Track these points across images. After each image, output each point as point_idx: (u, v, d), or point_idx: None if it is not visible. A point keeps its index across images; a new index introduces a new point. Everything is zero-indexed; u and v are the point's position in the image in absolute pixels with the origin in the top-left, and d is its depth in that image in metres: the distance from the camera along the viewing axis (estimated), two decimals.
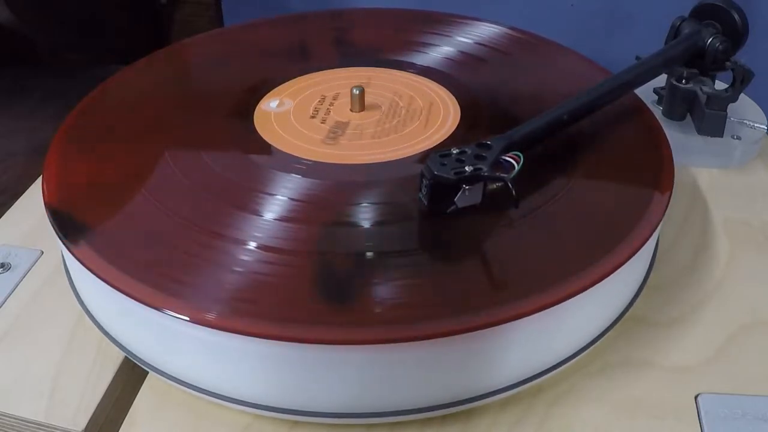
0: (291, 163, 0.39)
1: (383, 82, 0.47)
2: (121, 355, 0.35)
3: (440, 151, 0.35)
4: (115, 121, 0.44)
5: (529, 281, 0.32)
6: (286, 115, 0.43)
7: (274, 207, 0.36)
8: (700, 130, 0.47)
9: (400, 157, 0.39)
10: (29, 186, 0.46)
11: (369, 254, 0.33)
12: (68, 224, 0.35)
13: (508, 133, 0.37)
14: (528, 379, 0.33)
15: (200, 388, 0.32)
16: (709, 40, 0.46)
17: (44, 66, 0.71)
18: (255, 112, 0.44)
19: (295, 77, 0.47)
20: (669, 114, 0.49)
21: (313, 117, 0.43)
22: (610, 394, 0.33)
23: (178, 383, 0.33)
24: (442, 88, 0.46)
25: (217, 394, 0.32)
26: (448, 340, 0.29)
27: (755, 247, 0.41)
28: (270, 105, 0.43)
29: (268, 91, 0.46)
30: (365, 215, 0.35)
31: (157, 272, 0.32)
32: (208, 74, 0.49)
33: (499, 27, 0.52)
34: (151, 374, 0.34)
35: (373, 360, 0.30)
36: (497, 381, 0.32)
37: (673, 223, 0.42)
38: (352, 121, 0.43)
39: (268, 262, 0.33)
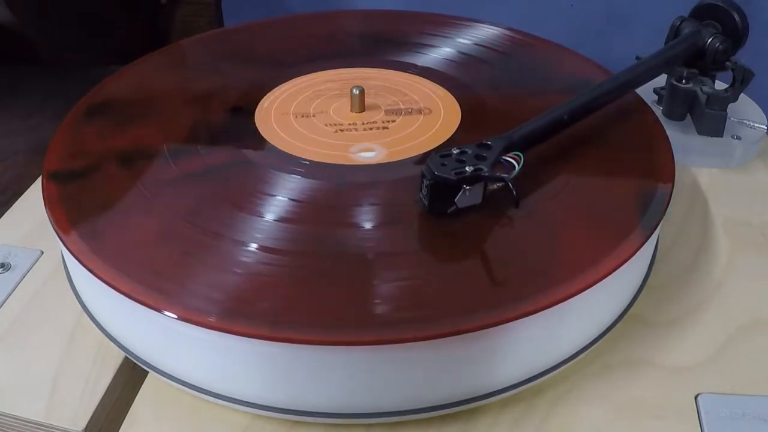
0: (291, 164, 0.39)
1: (383, 83, 0.47)
2: (121, 355, 0.35)
3: (440, 151, 0.35)
4: (114, 121, 0.44)
5: (529, 281, 0.32)
6: (287, 114, 0.43)
7: (274, 207, 0.36)
8: (700, 130, 0.47)
9: (401, 158, 0.39)
10: (29, 186, 0.46)
11: (369, 255, 0.33)
12: (68, 223, 0.35)
13: (508, 134, 0.37)
14: (528, 379, 0.33)
15: (200, 388, 0.32)
16: (709, 40, 0.46)
17: (44, 66, 0.71)
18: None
19: (294, 77, 0.47)
20: (669, 114, 0.49)
21: (313, 117, 0.43)
22: (610, 394, 0.33)
23: (178, 383, 0.33)
24: (442, 88, 0.46)
25: (217, 394, 0.32)
26: (449, 341, 0.29)
27: (755, 247, 0.41)
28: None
29: (268, 92, 0.46)
30: (366, 216, 0.35)
31: (157, 272, 0.32)
32: (208, 74, 0.49)
33: (499, 28, 0.52)
34: (151, 374, 0.34)
35: (373, 360, 0.30)
36: (497, 381, 0.32)
37: (673, 223, 0.42)
38: (352, 122, 0.43)
39: (268, 263, 0.33)
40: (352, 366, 0.30)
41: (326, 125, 0.42)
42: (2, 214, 0.44)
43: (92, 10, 0.72)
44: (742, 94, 0.47)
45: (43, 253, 0.41)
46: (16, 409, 0.33)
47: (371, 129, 0.42)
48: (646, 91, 0.48)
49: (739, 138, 0.47)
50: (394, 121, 0.43)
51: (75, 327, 0.36)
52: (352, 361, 0.30)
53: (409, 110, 0.44)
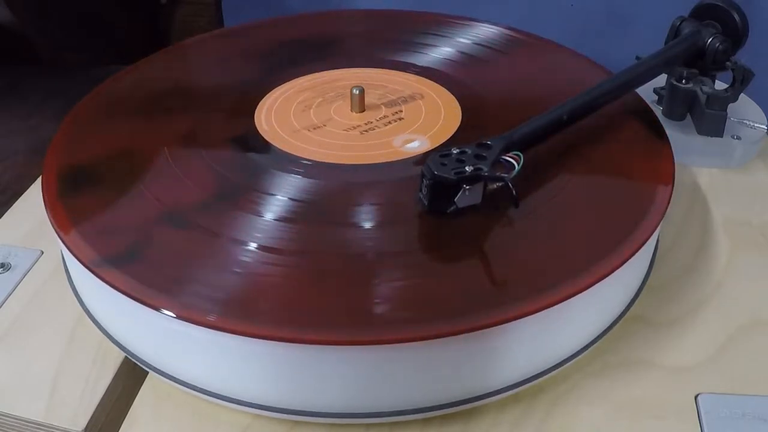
0: (291, 163, 0.39)
1: (384, 83, 0.47)
2: (121, 355, 0.35)
3: (440, 151, 0.35)
4: (114, 121, 0.44)
5: (529, 281, 0.32)
6: (287, 114, 0.43)
7: (274, 207, 0.36)
8: (700, 130, 0.47)
9: (401, 158, 0.39)
10: (29, 186, 0.46)
11: (369, 255, 0.33)
12: (69, 223, 0.35)
13: (508, 133, 0.37)
14: (528, 379, 0.33)
15: (200, 388, 0.32)
16: (709, 40, 0.46)
17: (44, 66, 0.71)
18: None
19: (295, 77, 0.47)
20: (669, 114, 0.49)
21: (313, 117, 0.43)
22: (610, 394, 0.33)
23: (178, 383, 0.33)
24: (443, 88, 0.46)
25: (217, 394, 0.32)
26: (449, 340, 0.29)
27: (755, 247, 0.41)
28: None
29: (268, 92, 0.46)
30: (365, 215, 0.35)
31: (157, 272, 0.32)
32: (209, 74, 0.49)
33: (499, 27, 0.52)
34: (151, 374, 0.34)
35: (374, 360, 0.30)
36: (497, 381, 0.32)
37: (673, 223, 0.42)
38: (352, 122, 0.43)
39: (268, 262, 0.33)
40: (352, 366, 0.30)
41: (327, 125, 0.42)
42: (2, 214, 0.44)
43: (92, 10, 0.72)
44: (742, 94, 0.47)
45: (43, 253, 0.41)
46: (16, 409, 0.33)
47: (371, 129, 0.42)
48: (646, 91, 0.47)
49: (739, 138, 0.47)
50: (394, 120, 0.43)
51: (75, 327, 0.36)
52: (352, 361, 0.30)
53: (410, 110, 0.44)
